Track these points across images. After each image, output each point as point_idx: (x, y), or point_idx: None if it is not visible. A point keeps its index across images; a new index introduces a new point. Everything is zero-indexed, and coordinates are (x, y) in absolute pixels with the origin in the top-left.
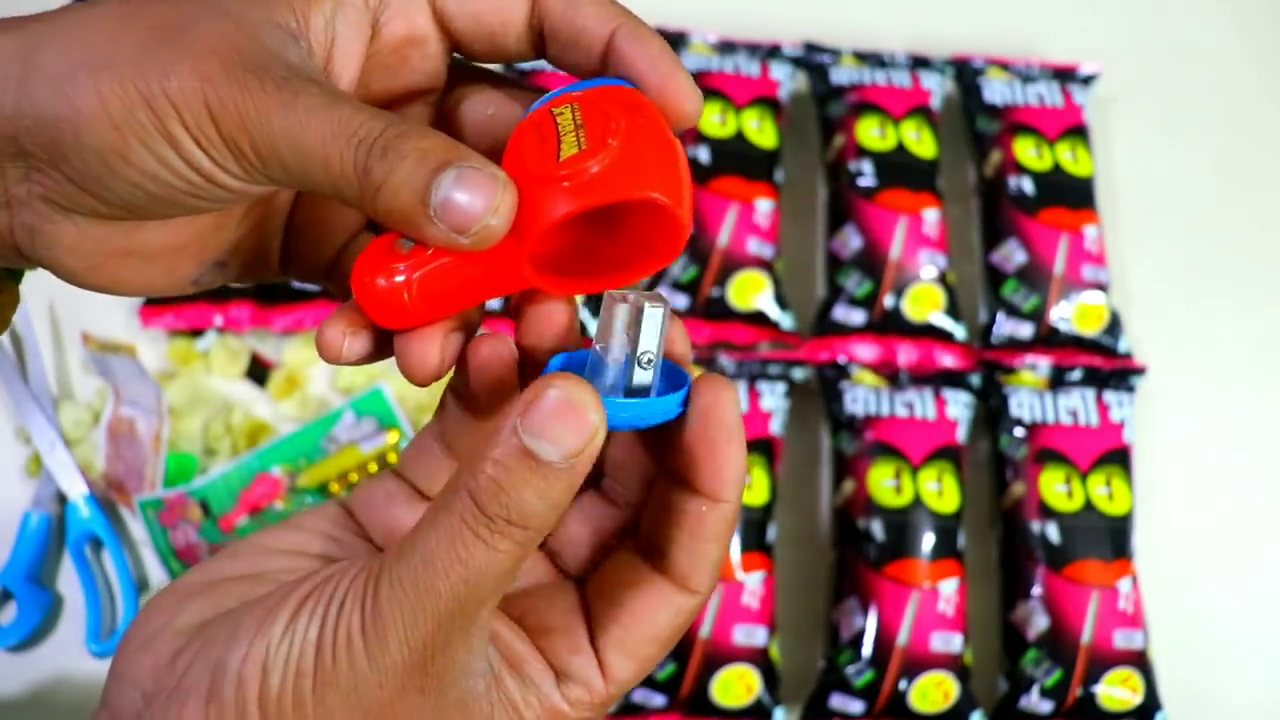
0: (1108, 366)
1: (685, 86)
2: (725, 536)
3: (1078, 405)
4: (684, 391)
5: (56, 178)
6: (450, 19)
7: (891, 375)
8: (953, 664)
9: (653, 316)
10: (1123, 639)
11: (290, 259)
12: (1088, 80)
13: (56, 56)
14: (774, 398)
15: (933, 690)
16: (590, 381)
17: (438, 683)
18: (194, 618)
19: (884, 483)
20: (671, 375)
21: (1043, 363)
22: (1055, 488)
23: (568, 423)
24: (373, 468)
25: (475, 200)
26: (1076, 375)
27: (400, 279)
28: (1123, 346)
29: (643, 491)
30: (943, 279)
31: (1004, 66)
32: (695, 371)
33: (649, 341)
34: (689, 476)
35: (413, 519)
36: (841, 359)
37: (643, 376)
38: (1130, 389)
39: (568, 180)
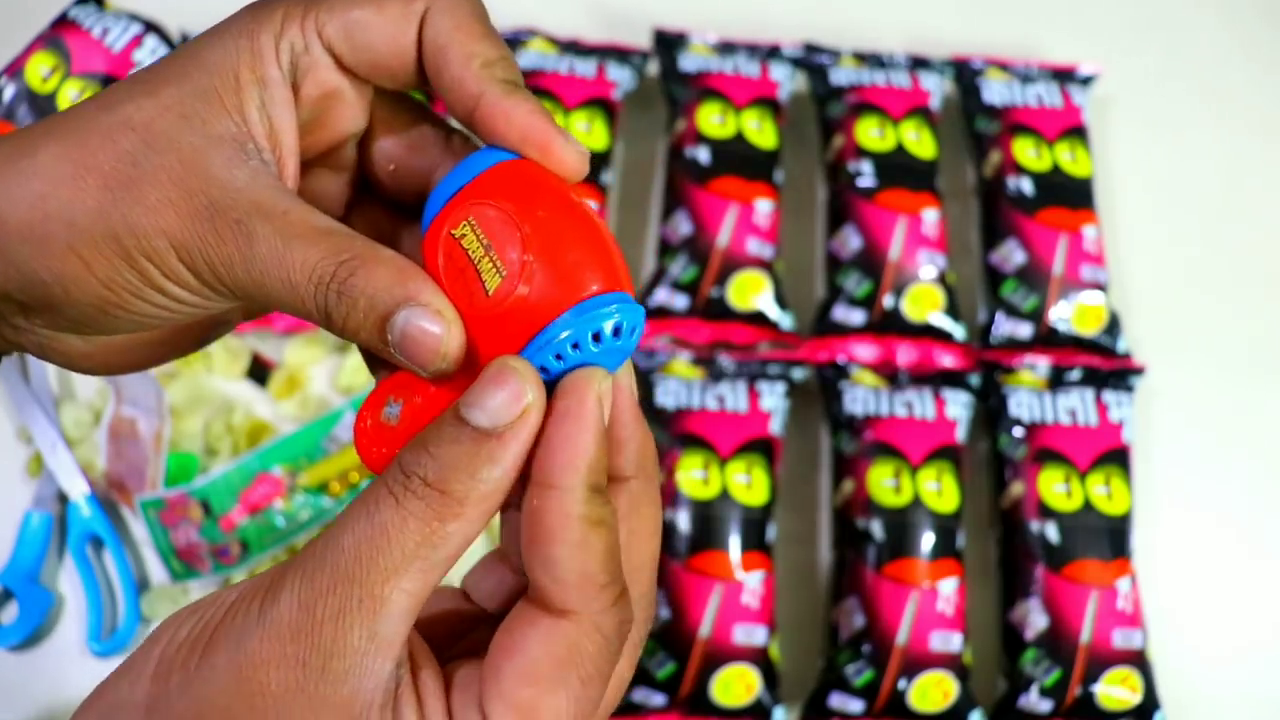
0: (1107, 366)
1: (564, 151)
2: (573, 534)
3: (1077, 405)
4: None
5: (57, 320)
6: (353, 67)
7: (891, 375)
8: (952, 663)
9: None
10: (1122, 638)
11: None
12: (1087, 81)
13: (24, 219)
14: (774, 398)
15: (932, 690)
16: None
17: (323, 661)
18: None
19: (883, 482)
20: None
21: (1042, 363)
22: (1054, 487)
23: (500, 389)
24: None
25: (425, 343)
26: (1075, 375)
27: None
28: (1122, 346)
29: None
30: (942, 279)
31: (1003, 67)
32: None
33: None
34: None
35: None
36: (841, 359)
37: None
38: (1129, 389)
39: (509, 315)
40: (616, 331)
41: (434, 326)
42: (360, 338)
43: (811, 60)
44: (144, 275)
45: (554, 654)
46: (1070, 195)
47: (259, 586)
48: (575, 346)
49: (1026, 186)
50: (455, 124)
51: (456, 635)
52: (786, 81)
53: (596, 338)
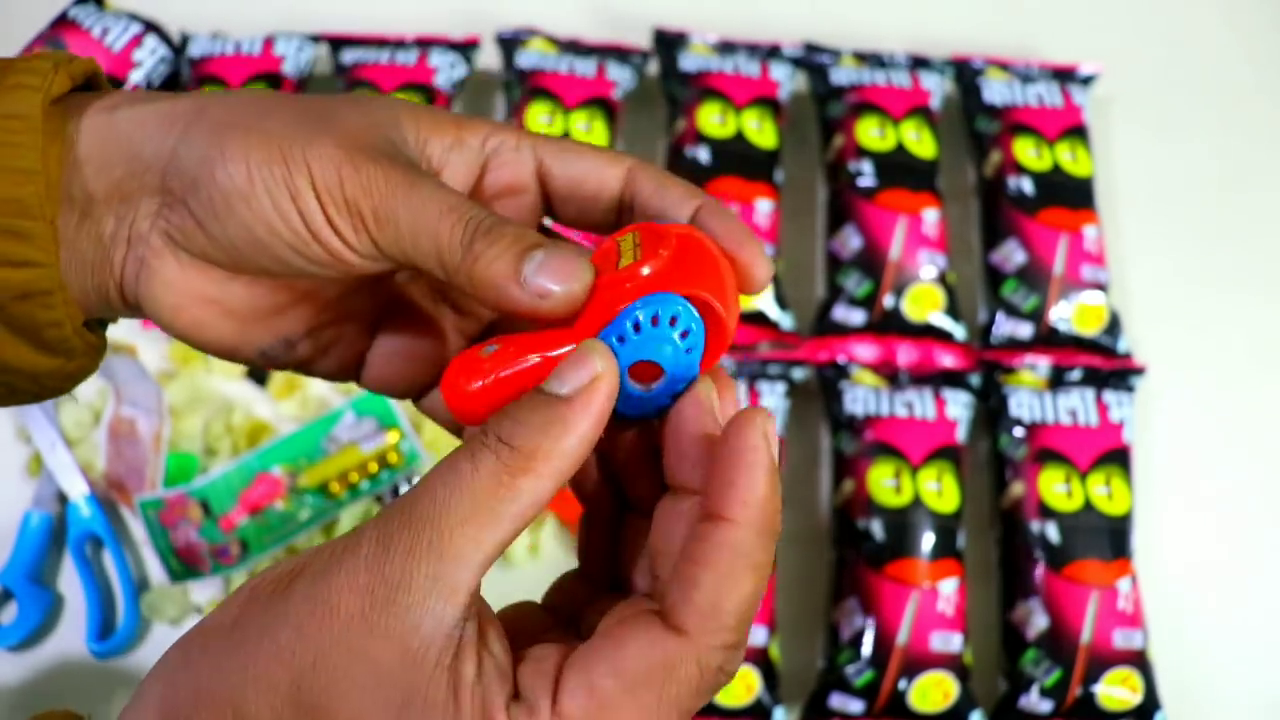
0: (1107, 366)
1: (758, 254)
2: (726, 566)
3: (1077, 405)
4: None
5: (182, 213)
6: (552, 179)
7: (891, 375)
8: (952, 663)
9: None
10: (1122, 639)
11: (376, 377)
12: (1087, 80)
13: (220, 114)
14: (774, 398)
15: (932, 690)
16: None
17: (388, 593)
18: None
19: (884, 482)
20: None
21: (1042, 363)
22: (1055, 487)
23: (576, 361)
24: (373, 467)
25: (559, 269)
26: (1076, 375)
27: (484, 383)
28: (1122, 346)
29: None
30: (942, 279)
31: (1004, 67)
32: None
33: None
34: (700, 487)
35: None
36: (841, 359)
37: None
38: (1130, 389)
39: (627, 281)
40: (674, 320)
41: (570, 257)
42: (494, 268)
43: (812, 60)
44: (290, 173)
45: (651, 662)
46: (1071, 195)
47: (352, 532)
48: (637, 328)
49: (1027, 186)
50: None
51: (534, 636)
52: (787, 81)
53: (655, 320)
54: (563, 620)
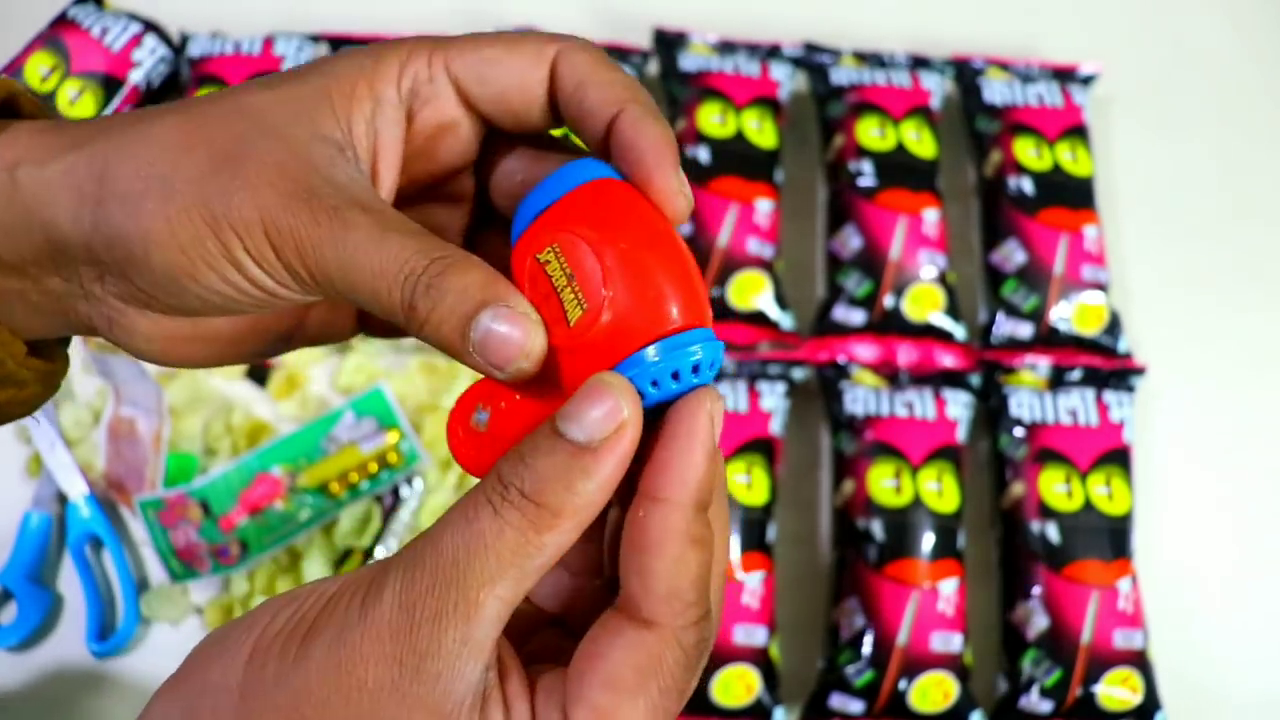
0: (1107, 366)
1: (671, 185)
2: (672, 549)
3: (1077, 405)
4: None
5: (129, 285)
6: (476, 101)
7: (891, 375)
8: (952, 664)
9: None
10: (1122, 639)
11: (372, 322)
12: (1087, 80)
13: (128, 178)
14: (774, 398)
15: (932, 690)
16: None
17: (418, 661)
18: None
19: (884, 482)
20: None
21: (1042, 363)
22: (1055, 487)
23: (597, 404)
24: (373, 468)
25: (509, 341)
26: (1076, 375)
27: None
28: (1122, 346)
29: None
30: (942, 279)
31: (1004, 66)
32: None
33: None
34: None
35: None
36: (841, 359)
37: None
38: (1130, 389)
39: (590, 347)
40: (695, 369)
41: (518, 328)
42: (441, 333)
43: (812, 60)
44: (225, 247)
45: (636, 663)
46: (1071, 195)
47: (361, 581)
48: (655, 384)
49: (1027, 186)
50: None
51: (523, 637)
52: (787, 81)
53: (676, 376)
54: (549, 611)
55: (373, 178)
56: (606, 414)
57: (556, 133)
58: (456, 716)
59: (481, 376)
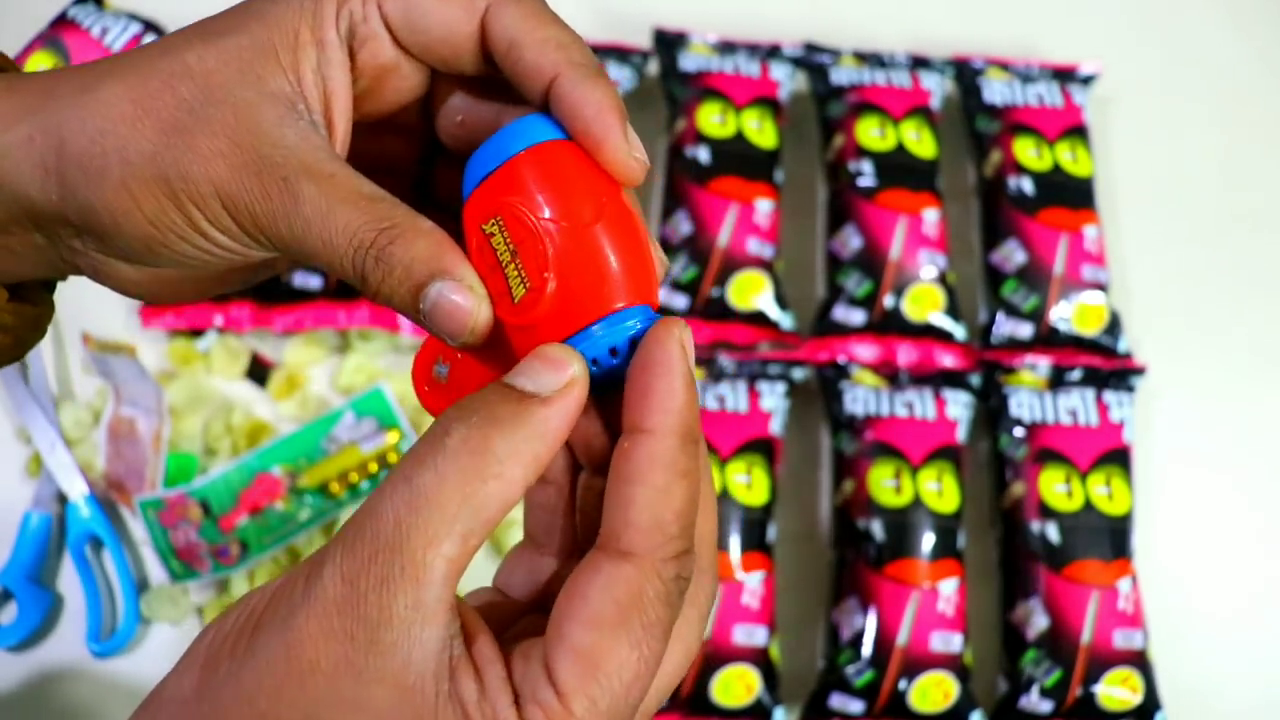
0: (1107, 366)
1: (621, 150)
2: (656, 478)
3: (1077, 405)
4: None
5: (105, 246)
6: (408, 46)
7: (891, 375)
8: (952, 664)
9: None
10: (1122, 639)
11: None
12: (1087, 80)
13: (85, 151)
14: (774, 398)
15: (933, 690)
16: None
17: (370, 633)
18: None
19: (884, 482)
20: None
21: (1042, 363)
22: (1055, 487)
23: (546, 362)
24: (373, 468)
25: (456, 313)
26: (1076, 375)
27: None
28: (1122, 346)
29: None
30: (942, 279)
31: (1004, 66)
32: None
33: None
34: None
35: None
36: (841, 359)
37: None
38: (1130, 389)
39: (534, 325)
40: (633, 343)
41: (465, 301)
42: (393, 303)
43: (812, 60)
44: (189, 219)
45: (616, 598)
46: (1071, 195)
47: (303, 568)
48: (594, 362)
49: (1027, 186)
50: None
51: (502, 627)
52: (787, 81)
53: (614, 352)
54: (526, 601)
55: (327, 127)
56: (555, 369)
57: None
58: (422, 688)
59: None
